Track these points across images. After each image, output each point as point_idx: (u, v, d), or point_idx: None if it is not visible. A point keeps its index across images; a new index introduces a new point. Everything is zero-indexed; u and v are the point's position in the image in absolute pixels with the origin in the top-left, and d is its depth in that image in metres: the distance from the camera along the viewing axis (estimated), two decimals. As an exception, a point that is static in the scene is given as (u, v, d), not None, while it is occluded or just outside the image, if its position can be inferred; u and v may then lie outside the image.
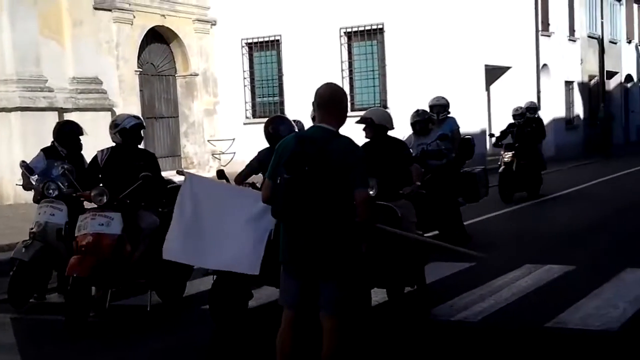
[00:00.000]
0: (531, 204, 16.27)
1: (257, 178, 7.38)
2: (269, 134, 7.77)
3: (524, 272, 9.33)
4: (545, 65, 28.02)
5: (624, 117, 39.00)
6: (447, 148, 11.46)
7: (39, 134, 16.50)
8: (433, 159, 11.17)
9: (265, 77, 25.37)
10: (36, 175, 9.05)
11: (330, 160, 4.85)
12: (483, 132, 22.13)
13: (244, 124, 24.83)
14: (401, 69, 22.71)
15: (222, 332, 7.35)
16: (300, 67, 23.55)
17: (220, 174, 7.98)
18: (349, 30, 23.69)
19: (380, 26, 23.28)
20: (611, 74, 36.62)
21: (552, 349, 6.48)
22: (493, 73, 24.82)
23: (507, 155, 16.68)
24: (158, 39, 23.94)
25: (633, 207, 15.11)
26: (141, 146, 8.60)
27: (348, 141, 5.02)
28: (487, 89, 24.86)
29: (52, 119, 17.23)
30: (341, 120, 5.15)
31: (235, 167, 8.81)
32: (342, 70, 23.72)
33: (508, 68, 25.40)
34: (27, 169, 9.05)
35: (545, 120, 27.93)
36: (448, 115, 12.52)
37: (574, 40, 31.58)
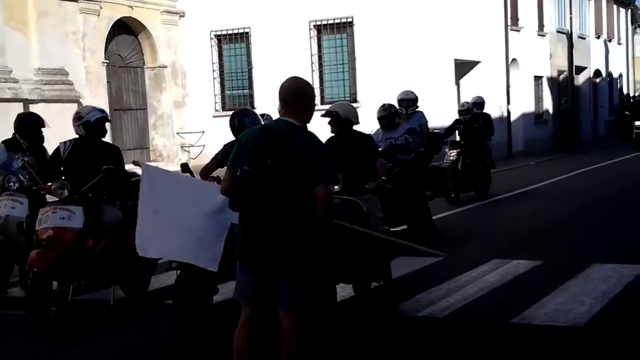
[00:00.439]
0: (498, 199, 16.25)
1: (223, 171, 7.27)
2: (234, 127, 7.71)
3: (492, 267, 9.31)
4: (514, 59, 28.11)
5: (593, 112, 39.24)
6: (415, 142, 11.43)
7: (4, 125, 16.21)
8: (401, 153, 11.11)
9: (235, 69, 25.21)
10: (-4, 168, 8.90)
11: (292, 154, 4.73)
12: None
13: (214, 116, 24.66)
14: (371, 62, 22.68)
15: (186, 327, 7.25)
16: (270, 60, 23.42)
17: (185, 167, 7.89)
18: (319, 23, 23.60)
19: (349, 19, 23.22)
20: (580, 69, 36.83)
21: (518, 345, 6.45)
22: (463, 67, 24.84)
23: (452, 154, 15.73)
24: (126, 30, 23.66)
25: (599, 203, 15.16)
26: (108, 140, 8.46)
27: (312, 137, 4.91)
28: (457, 83, 24.88)
29: (17, 110, 16.91)
30: (306, 115, 5.01)
31: (205, 160, 8.70)
32: (312, 63, 23.62)
33: (477, 62, 25.44)
34: (-14, 161, 8.89)
35: (515, 115, 28.18)
36: (416, 110, 12.52)
37: (543, 35, 31.72)
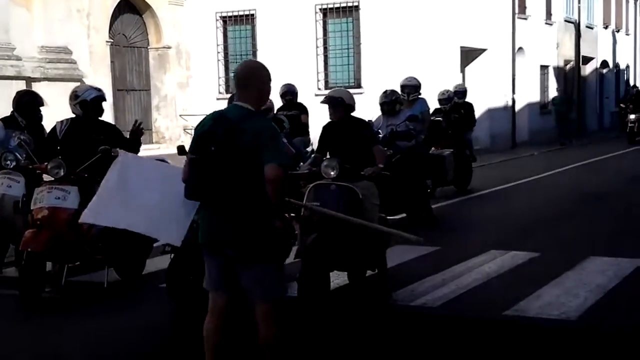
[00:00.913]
0: (499, 190, 16.16)
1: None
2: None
3: (489, 257, 9.26)
4: (520, 48, 27.96)
5: (599, 104, 39.05)
6: (417, 129, 11.36)
7: (6, 103, 16.18)
8: (402, 140, 11.05)
9: (240, 52, 25.10)
10: (-6, 146, 8.86)
11: (239, 140, 4.67)
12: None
13: (217, 99, 24.49)
14: (376, 47, 22.57)
15: (179, 310, 7.22)
16: (275, 43, 23.33)
17: (181, 149, 7.82)
18: (324, 6, 23.50)
19: (355, 3, 23.11)
20: (587, 59, 36.61)
21: (509, 337, 6.41)
22: (468, 55, 24.72)
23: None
24: (131, 9, 23.56)
25: (599, 197, 15.04)
26: (110, 120, 8.40)
27: (262, 121, 4.87)
28: (462, 71, 24.75)
29: (19, 88, 16.83)
30: (260, 99, 4.95)
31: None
32: (316, 47, 23.53)
33: (484, 50, 25.30)
34: (-16, 139, 8.85)
35: (520, 105, 28.02)
36: (419, 97, 12.44)
37: (551, 24, 31.53)
